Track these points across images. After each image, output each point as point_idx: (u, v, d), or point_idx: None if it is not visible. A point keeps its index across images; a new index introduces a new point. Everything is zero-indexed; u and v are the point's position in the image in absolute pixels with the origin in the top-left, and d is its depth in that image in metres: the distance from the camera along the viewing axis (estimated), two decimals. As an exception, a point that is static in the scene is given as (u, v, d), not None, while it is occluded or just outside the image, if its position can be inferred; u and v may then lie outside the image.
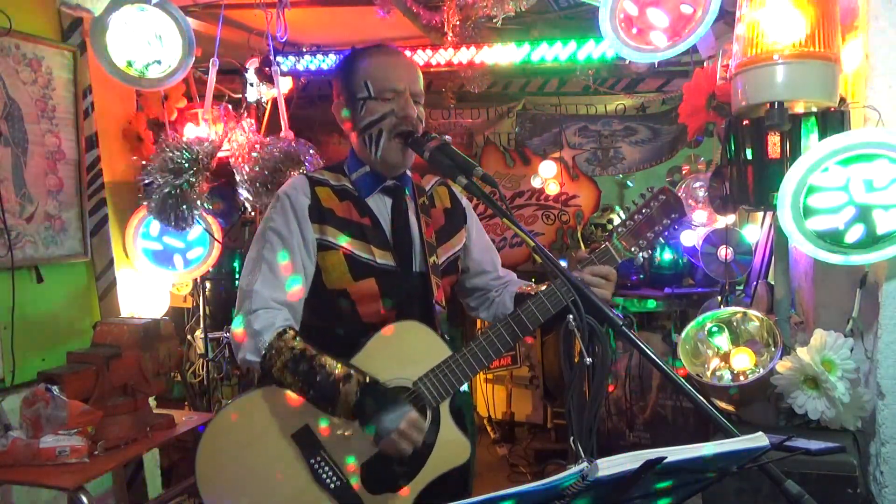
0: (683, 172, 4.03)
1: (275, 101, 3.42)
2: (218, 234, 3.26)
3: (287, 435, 1.58)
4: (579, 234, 4.94)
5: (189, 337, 3.73)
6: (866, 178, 1.86)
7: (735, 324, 2.34)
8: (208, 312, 3.69)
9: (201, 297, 3.60)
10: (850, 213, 1.87)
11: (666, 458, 0.83)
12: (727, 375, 2.22)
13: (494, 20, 3.17)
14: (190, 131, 3.24)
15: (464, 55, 3.88)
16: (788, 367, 2.01)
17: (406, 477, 1.59)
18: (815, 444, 1.87)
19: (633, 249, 1.68)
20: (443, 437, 1.61)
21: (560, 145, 5.01)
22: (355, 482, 1.57)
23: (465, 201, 1.92)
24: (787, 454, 1.65)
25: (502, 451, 4.58)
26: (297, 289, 1.65)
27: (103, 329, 2.55)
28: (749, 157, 2.15)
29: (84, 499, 2.09)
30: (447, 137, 1.62)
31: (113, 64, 2.91)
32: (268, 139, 3.09)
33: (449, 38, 3.47)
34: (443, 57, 3.88)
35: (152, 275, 3.23)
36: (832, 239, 1.89)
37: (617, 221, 1.70)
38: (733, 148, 2.22)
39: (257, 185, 2.96)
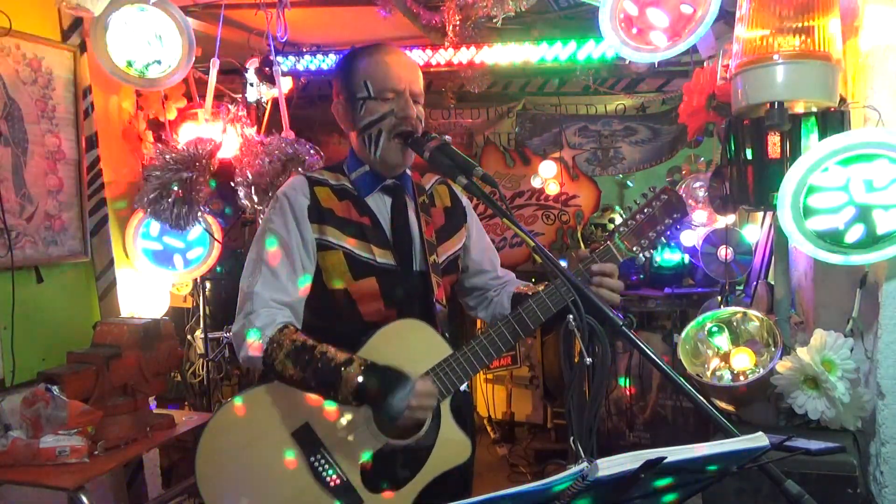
0: (683, 172, 4.03)
1: (275, 101, 3.42)
2: (218, 234, 3.26)
3: (287, 433, 1.58)
4: (579, 234, 4.94)
5: (189, 337, 3.73)
6: (866, 178, 1.86)
7: (735, 324, 2.34)
8: (208, 312, 3.69)
9: (201, 297, 3.60)
10: (850, 213, 1.88)
11: (666, 458, 0.83)
12: (727, 375, 2.22)
13: (494, 20, 3.17)
14: (190, 131, 3.24)
15: (464, 55, 3.88)
16: (788, 367, 2.01)
17: (406, 476, 1.59)
18: (815, 444, 1.87)
19: (634, 249, 1.68)
20: (443, 437, 1.61)
21: (560, 145, 5.01)
22: (356, 481, 1.57)
23: (465, 200, 1.92)
24: (787, 454, 1.65)
25: (502, 451, 4.58)
26: (297, 289, 1.65)
27: (103, 329, 2.55)
28: (749, 157, 2.15)
29: (84, 499, 2.09)
30: (447, 137, 1.62)
31: (113, 64, 2.91)
32: (268, 139, 3.09)
33: (449, 39, 3.47)
34: (443, 57, 3.88)
35: (152, 275, 3.23)
36: (832, 239, 1.89)
37: (618, 221, 1.70)
38: (733, 148, 2.22)
39: (261, 189, 2.96)
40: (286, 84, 3.53)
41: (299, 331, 1.59)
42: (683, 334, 2.35)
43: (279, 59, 3.52)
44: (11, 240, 2.62)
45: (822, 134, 2.01)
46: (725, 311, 2.40)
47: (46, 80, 2.84)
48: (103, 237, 3.07)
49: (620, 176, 5.03)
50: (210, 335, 3.65)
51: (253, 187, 2.99)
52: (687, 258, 4.06)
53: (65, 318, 2.90)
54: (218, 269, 3.65)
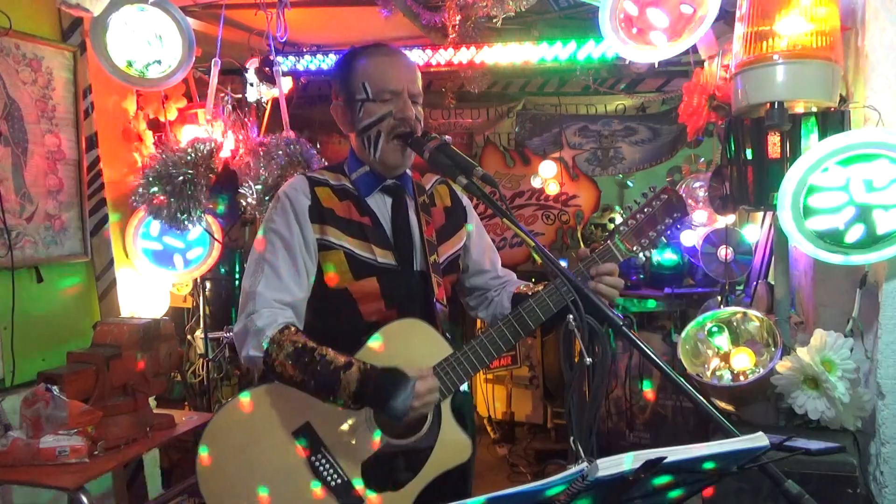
0: (683, 172, 4.03)
1: (275, 101, 3.42)
2: (218, 234, 3.26)
3: (288, 433, 1.58)
4: (579, 234, 4.94)
5: (189, 337, 3.73)
6: (866, 178, 1.86)
7: (735, 324, 2.34)
8: (208, 312, 3.69)
9: (201, 297, 3.60)
10: (850, 213, 1.88)
11: (666, 458, 0.83)
12: (727, 375, 2.22)
13: (494, 20, 3.17)
14: (190, 132, 3.24)
15: (464, 55, 3.87)
16: (788, 367, 2.02)
17: (407, 475, 1.59)
18: (815, 444, 1.87)
19: (635, 249, 1.68)
20: (444, 436, 1.61)
21: (560, 145, 5.01)
22: (356, 480, 1.57)
23: (465, 200, 1.92)
24: (787, 454, 1.65)
25: (502, 451, 4.58)
26: (299, 289, 1.65)
27: (103, 329, 2.55)
28: (749, 157, 2.16)
29: (84, 499, 2.09)
30: (447, 137, 1.62)
31: (113, 64, 2.91)
32: (269, 139, 3.09)
33: (450, 38, 3.47)
34: (443, 57, 3.88)
35: (152, 275, 3.23)
36: (832, 239, 1.90)
37: (618, 221, 1.70)
38: (733, 148, 2.22)
39: (261, 189, 2.95)
40: (286, 84, 3.53)
41: (300, 332, 1.59)
42: (683, 334, 2.35)
43: (279, 59, 3.52)
44: (11, 240, 2.62)
45: (822, 134, 2.01)
46: (725, 311, 2.40)
47: (46, 80, 2.84)
48: (103, 237, 3.07)
49: (620, 176, 5.03)
50: (210, 335, 3.65)
51: (253, 187, 2.99)
52: (685, 258, 4.05)
53: (65, 318, 2.90)
54: (222, 270, 3.66)
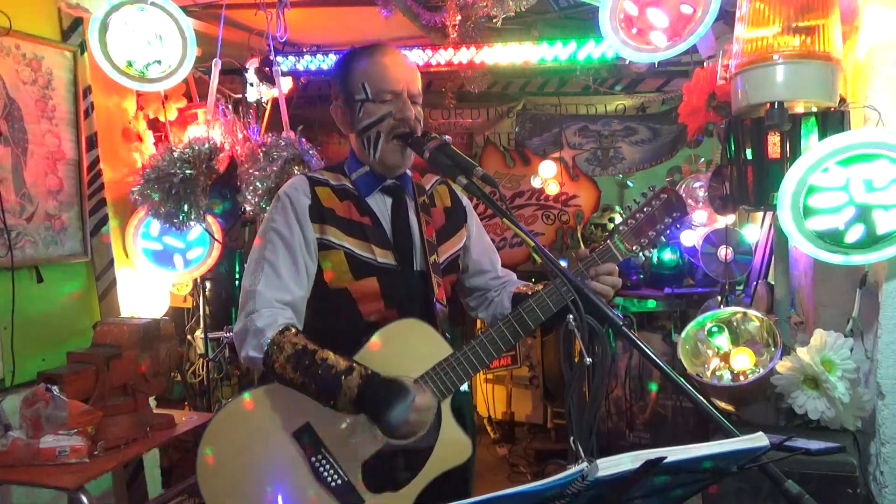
0: (683, 172, 4.03)
1: (275, 101, 3.42)
2: (218, 234, 3.26)
3: (288, 433, 1.58)
4: (579, 234, 4.94)
5: (189, 337, 3.73)
6: (866, 178, 1.86)
7: (735, 324, 2.34)
8: (208, 312, 3.69)
9: (201, 297, 3.60)
10: (850, 213, 1.88)
11: (666, 458, 0.83)
12: (727, 375, 2.22)
13: (494, 20, 3.17)
14: (191, 131, 3.24)
15: (464, 55, 3.87)
16: (788, 367, 2.01)
17: (407, 475, 1.59)
18: (815, 444, 1.87)
19: (634, 248, 1.68)
20: (444, 436, 1.61)
21: (560, 145, 5.01)
22: (356, 481, 1.57)
23: (465, 200, 1.92)
24: (787, 454, 1.65)
25: (502, 451, 4.58)
26: (299, 288, 1.65)
27: (103, 329, 2.55)
28: (749, 157, 2.16)
29: (84, 499, 2.09)
30: (447, 137, 1.62)
31: (113, 64, 2.92)
32: (269, 139, 3.08)
33: (450, 38, 3.47)
34: (443, 57, 3.88)
35: (152, 275, 3.23)
36: (832, 239, 1.90)
37: (618, 221, 1.70)
38: (733, 148, 2.22)
39: (261, 189, 2.95)
40: (286, 84, 3.53)
41: (301, 333, 1.58)
42: (683, 334, 2.35)
43: (279, 59, 3.52)
44: (11, 240, 2.62)
45: (822, 134, 2.01)
46: (725, 311, 2.40)
47: (46, 80, 2.84)
48: (103, 237, 3.07)
49: (620, 176, 5.03)
50: (210, 335, 3.65)
51: (253, 187, 2.99)
52: (685, 257, 4.05)
53: (65, 318, 2.90)
54: (222, 270, 3.65)
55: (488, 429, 4.76)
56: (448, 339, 1.65)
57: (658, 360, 1.19)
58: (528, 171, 5.09)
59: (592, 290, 1.38)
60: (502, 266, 1.96)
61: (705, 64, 2.83)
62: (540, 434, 4.73)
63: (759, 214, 2.96)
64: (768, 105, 1.97)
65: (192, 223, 3.02)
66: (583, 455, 1.21)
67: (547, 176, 4.88)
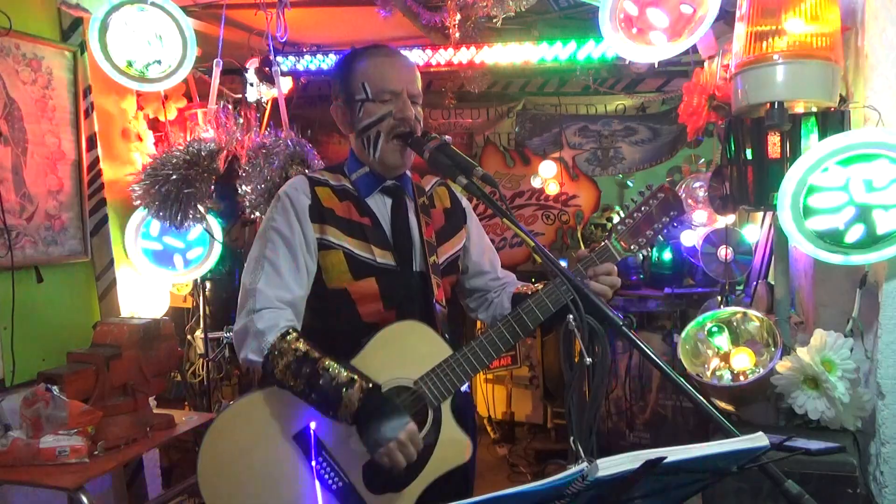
0: (683, 172, 4.03)
1: (275, 101, 3.42)
2: (218, 234, 3.26)
3: (289, 436, 1.58)
4: (579, 234, 4.94)
5: (189, 337, 3.73)
6: (866, 178, 1.86)
7: (735, 324, 2.34)
8: (208, 312, 3.68)
9: (201, 297, 3.60)
10: (850, 213, 1.88)
11: (666, 458, 0.83)
12: (727, 375, 2.22)
13: (494, 20, 3.17)
14: (191, 132, 3.24)
15: (464, 55, 3.87)
16: (788, 367, 2.02)
17: (408, 477, 1.59)
18: (815, 444, 1.87)
19: (632, 247, 1.68)
20: (444, 437, 1.61)
21: (560, 145, 5.01)
22: (357, 483, 1.57)
23: (464, 201, 1.93)
24: (787, 454, 1.65)
25: (502, 451, 4.58)
26: (299, 287, 1.65)
27: (103, 329, 2.55)
28: (749, 157, 2.16)
29: (84, 499, 2.09)
30: (447, 137, 1.62)
31: (113, 64, 2.92)
32: (269, 139, 3.09)
33: (451, 38, 3.47)
34: (443, 57, 3.88)
35: (152, 275, 3.23)
36: (832, 239, 1.90)
37: (617, 221, 1.70)
38: (733, 148, 2.22)
39: (261, 189, 2.95)
40: (286, 84, 3.53)
41: (301, 337, 1.58)
42: (683, 334, 2.35)
43: (279, 59, 3.52)
44: (11, 240, 2.62)
45: (822, 134, 2.01)
46: (725, 311, 2.40)
47: (46, 80, 2.84)
48: (103, 237, 3.07)
49: (620, 176, 5.03)
50: (210, 335, 3.65)
51: (253, 187, 2.99)
52: (684, 256, 4.05)
53: (65, 318, 2.90)
54: (222, 270, 3.65)
55: (488, 429, 4.76)
56: (448, 340, 1.65)
57: (658, 360, 1.19)
58: (528, 171, 5.09)
59: (591, 290, 1.38)
60: (502, 266, 1.96)
61: (705, 64, 2.83)
62: (540, 434, 4.73)
63: (759, 214, 2.96)
64: (768, 105, 1.97)
65: (191, 223, 3.02)
66: (583, 455, 1.21)
67: (547, 176, 4.88)
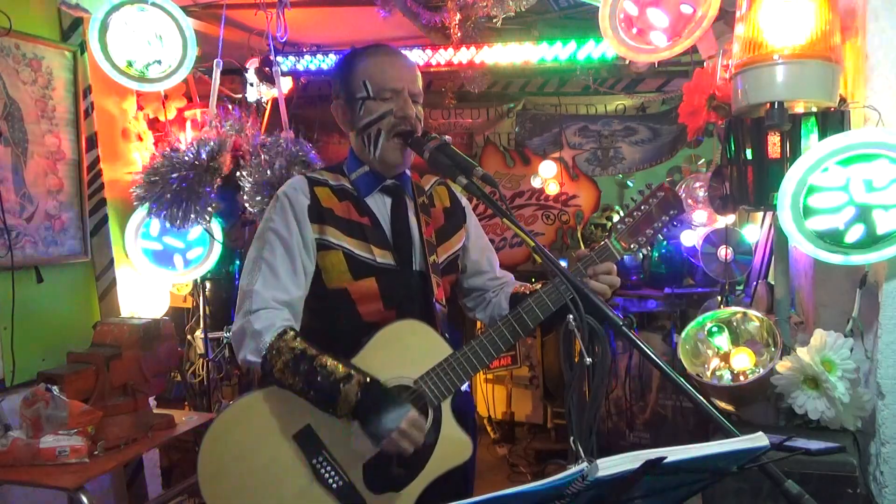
0: (683, 172, 4.03)
1: (275, 101, 3.42)
2: (218, 235, 3.26)
3: (289, 435, 1.58)
4: (579, 234, 4.95)
5: (189, 337, 3.73)
6: (866, 178, 1.86)
7: (735, 324, 2.34)
8: (208, 312, 3.68)
9: (201, 297, 3.60)
10: (850, 213, 1.88)
11: (666, 458, 0.83)
12: (727, 375, 2.22)
13: (494, 20, 3.18)
14: (193, 132, 3.24)
15: (464, 55, 3.88)
16: (788, 367, 2.01)
17: (408, 476, 1.59)
18: (815, 444, 1.87)
19: (632, 247, 1.68)
20: (444, 436, 1.61)
21: (560, 145, 5.01)
22: (357, 482, 1.57)
23: (464, 201, 1.93)
24: (787, 454, 1.65)
25: (502, 451, 4.58)
26: (297, 288, 1.65)
27: (103, 329, 2.55)
28: (749, 157, 2.16)
29: (84, 499, 2.09)
30: (447, 137, 1.62)
31: (113, 64, 2.92)
32: (269, 139, 3.09)
33: (451, 38, 3.48)
34: (443, 57, 3.88)
35: (152, 275, 3.23)
36: (832, 239, 1.89)
37: (617, 220, 1.70)
38: (733, 148, 2.22)
39: (261, 190, 2.95)
40: (286, 84, 3.54)
41: (298, 336, 1.58)
42: (683, 334, 2.35)
43: (279, 59, 3.52)
44: (11, 240, 2.62)
45: (822, 134, 2.01)
46: (725, 311, 2.40)
47: (46, 80, 2.84)
48: (103, 237, 3.07)
49: (620, 176, 5.03)
50: (210, 335, 3.65)
51: (253, 187, 2.99)
52: (683, 256, 4.05)
53: (65, 318, 2.90)
54: (222, 270, 3.65)
55: (488, 429, 4.76)
56: (448, 339, 1.65)
57: (658, 360, 1.19)
58: (528, 171, 5.09)
59: (591, 289, 1.39)
60: (502, 266, 1.96)
61: (705, 64, 2.83)
62: (540, 434, 4.73)
63: (759, 214, 2.95)
64: (768, 105, 1.97)
65: (193, 223, 3.02)
66: (583, 455, 1.21)
67: (547, 176, 4.88)
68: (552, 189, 4.96)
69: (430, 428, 1.59)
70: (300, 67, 4.07)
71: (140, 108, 3.35)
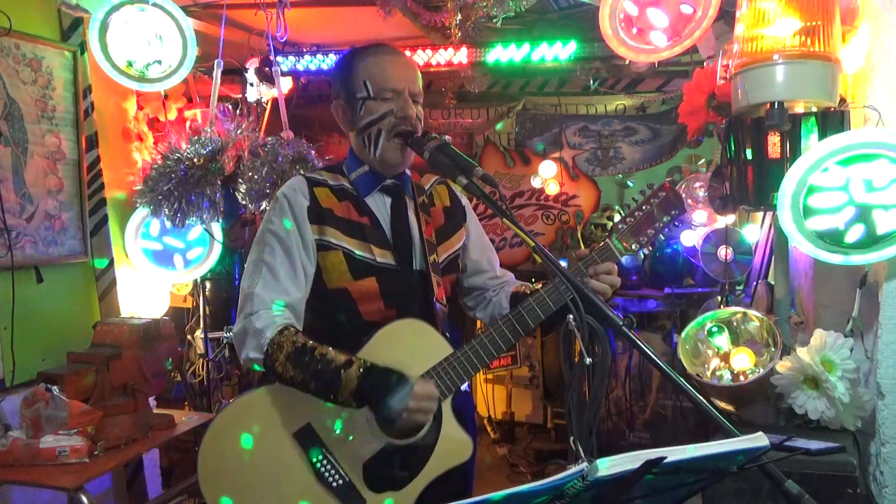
0: (683, 172, 4.03)
1: (275, 101, 3.42)
2: (218, 235, 3.26)
3: (289, 434, 1.58)
4: (579, 234, 4.95)
5: (189, 337, 3.74)
6: (866, 178, 1.86)
7: (735, 324, 2.34)
8: (208, 312, 3.68)
9: (201, 297, 3.60)
10: (850, 213, 1.87)
11: (666, 458, 0.83)
12: (727, 375, 2.22)
13: (494, 20, 3.18)
14: (192, 132, 3.24)
15: (464, 55, 3.88)
16: (788, 367, 2.01)
17: (408, 475, 1.59)
18: (815, 444, 1.87)
19: (633, 247, 1.68)
20: (445, 436, 1.62)
21: (560, 145, 5.01)
22: (358, 481, 1.57)
23: (464, 200, 1.93)
24: (787, 454, 1.65)
25: (502, 451, 4.58)
26: (297, 289, 1.65)
27: (103, 329, 2.55)
28: (749, 157, 2.15)
29: (84, 499, 2.09)
30: (447, 137, 1.62)
31: (113, 64, 2.92)
32: (269, 139, 3.09)
33: (451, 38, 3.48)
34: (443, 57, 3.88)
35: (152, 275, 3.23)
36: (832, 239, 1.89)
37: (617, 220, 1.70)
38: (733, 148, 2.22)
39: (261, 190, 2.95)
40: (286, 84, 3.54)
41: (299, 332, 1.59)
42: (683, 334, 2.35)
43: (279, 59, 3.52)
44: (11, 240, 2.62)
45: (822, 134, 2.01)
46: (725, 311, 2.40)
47: (46, 80, 2.84)
48: (103, 237, 3.07)
49: (620, 176, 5.04)
50: (210, 335, 3.65)
51: (253, 188, 2.99)
52: (682, 255, 4.05)
53: (65, 318, 2.90)
54: (222, 270, 3.65)
55: (488, 429, 4.76)
56: (448, 338, 1.65)
57: (658, 360, 1.19)
58: (528, 171, 5.09)
59: (591, 288, 1.39)
60: (502, 266, 1.96)
61: (705, 64, 2.83)
62: (540, 434, 4.73)
63: (759, 214, 2.96)
64: (768, 105, 1.97)
65: (194, 223, 3.02)
66: (583, 455, 1.21)
67: (547, 176, 4.89)
68: (552, 189, 4.96)
69: (431, 427, 1.59)
70: (300, 67, 4.07)
71: (140, 108, 3.35)
